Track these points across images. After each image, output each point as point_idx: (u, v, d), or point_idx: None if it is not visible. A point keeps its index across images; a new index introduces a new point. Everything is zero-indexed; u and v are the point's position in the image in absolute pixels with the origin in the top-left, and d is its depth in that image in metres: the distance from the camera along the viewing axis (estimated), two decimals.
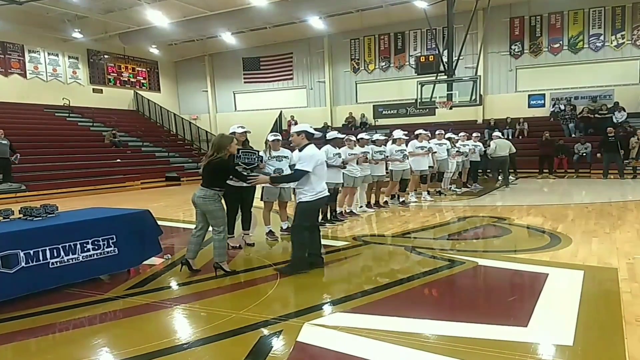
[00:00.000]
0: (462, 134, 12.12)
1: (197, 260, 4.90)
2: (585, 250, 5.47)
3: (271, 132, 8.82)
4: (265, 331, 3.34)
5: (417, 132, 10.10)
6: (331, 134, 7.65)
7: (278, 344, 3.15)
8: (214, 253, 4.84)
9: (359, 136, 8.49)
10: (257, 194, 6.30)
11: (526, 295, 4.09)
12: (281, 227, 6.83)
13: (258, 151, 5.99)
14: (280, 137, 6.62)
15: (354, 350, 3.01)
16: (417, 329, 3.32)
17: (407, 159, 9.22)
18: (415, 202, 9.74)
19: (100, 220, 4.73)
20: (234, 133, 5.83)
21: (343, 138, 7.89)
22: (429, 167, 10.09)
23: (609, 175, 14.11)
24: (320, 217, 6.29)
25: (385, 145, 9.02)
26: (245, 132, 6.02)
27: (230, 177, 5.62)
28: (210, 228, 4.88)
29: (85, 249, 4.47)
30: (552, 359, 2.91)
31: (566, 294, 4.00)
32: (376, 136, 9.18)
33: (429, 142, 10.28)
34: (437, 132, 10.96)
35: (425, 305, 4.07)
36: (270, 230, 6.58)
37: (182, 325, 3.69)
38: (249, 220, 6.16)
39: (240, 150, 5.75)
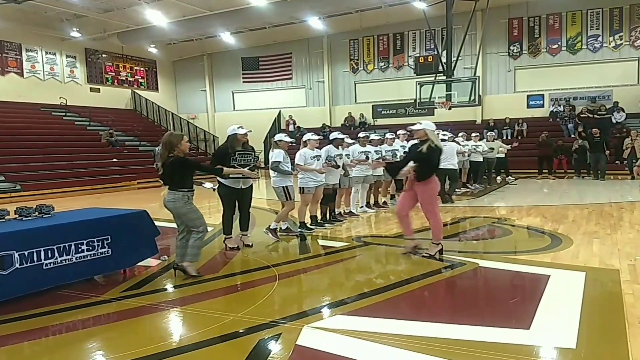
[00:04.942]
0: (461, 134, 12.06)
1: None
2: (586, 251, 5.43)
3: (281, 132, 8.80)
4: (264, 334, 3.28)
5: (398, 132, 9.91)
6: (333, 135, 7.65)
7: (277, 348, 3.10)
8: (186, 252, 4.70)
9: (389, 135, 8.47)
10: (255, 194, 6.24)
11: (528, 297, 4.05)
12: (280, 228, 6.76)
13: (254, 151, 5.94)
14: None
15: (354, 353, 2.96)
16: (417, 332, 3.27)
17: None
18: None
19: (95, 221, 4.67)
20: (235, 134, 5.77)
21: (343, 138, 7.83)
22: None
23: (606, 176, 14.08)
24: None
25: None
26: (247, 132, 5.95)
27: (224, 176, 5.61)
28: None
29: (80, 249, 4.42)
30: None
31: (568, 295, 3.96)
32: (388, 135, 9.14)
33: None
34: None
35: (426, 307, 4.03)
36: (288, 227, 6.65)
37: (178, 328, 3.64)
38: (246, 222, 6.09)
39: (237, 152, 5.72)
